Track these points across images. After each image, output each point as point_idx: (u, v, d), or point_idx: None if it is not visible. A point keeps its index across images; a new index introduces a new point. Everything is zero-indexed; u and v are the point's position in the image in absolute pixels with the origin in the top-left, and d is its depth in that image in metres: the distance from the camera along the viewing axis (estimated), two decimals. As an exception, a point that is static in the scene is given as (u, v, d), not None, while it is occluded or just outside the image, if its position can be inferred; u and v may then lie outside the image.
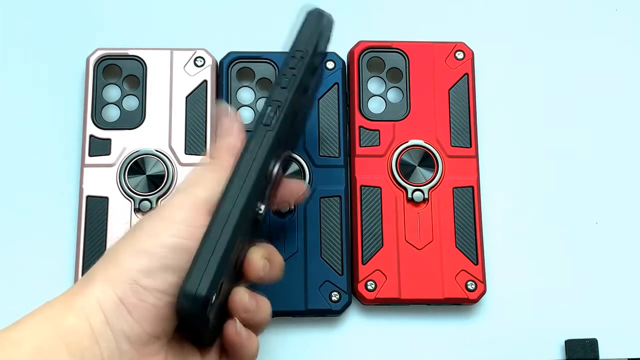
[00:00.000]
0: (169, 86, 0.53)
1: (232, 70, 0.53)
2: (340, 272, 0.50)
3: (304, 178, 0.51)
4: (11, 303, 0.43)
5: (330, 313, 0.50)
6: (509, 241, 0.53)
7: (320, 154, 0.52)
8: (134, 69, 0.53)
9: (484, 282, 0.50)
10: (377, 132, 0.52)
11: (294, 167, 0.51)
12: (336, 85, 0.53)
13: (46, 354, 0.33)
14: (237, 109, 0.52)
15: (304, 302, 0.49)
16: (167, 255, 0.35)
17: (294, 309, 0.49)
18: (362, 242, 0.50)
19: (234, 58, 0.53)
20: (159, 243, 0.36)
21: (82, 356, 0.33)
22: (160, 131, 0.52)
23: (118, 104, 0.52)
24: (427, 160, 0.52)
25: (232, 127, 0.40)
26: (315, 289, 0.49)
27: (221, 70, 0.53)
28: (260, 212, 0.39)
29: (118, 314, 0.34)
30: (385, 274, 0.50)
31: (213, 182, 0.37)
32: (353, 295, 0.50)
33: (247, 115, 0.52)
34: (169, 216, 0.36)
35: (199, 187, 0.37)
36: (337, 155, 0.52)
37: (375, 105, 0.53)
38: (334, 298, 0.50)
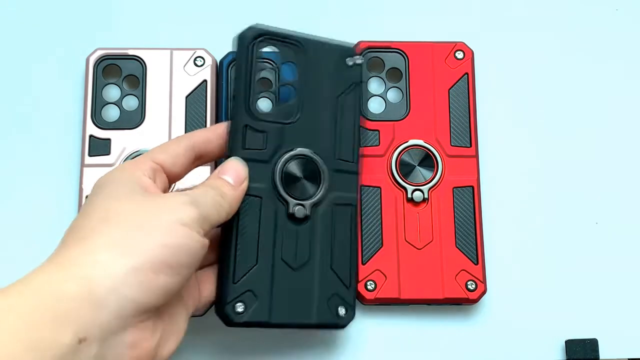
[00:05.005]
0: (169, 86, 0.53)
1: (232, 70, 0.53)
2: (340, 272, 0.50)
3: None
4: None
5: (330, 313, 0.50)
6: (509, 241, 0.53)
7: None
8: (134, 69, 0.53)
9: (484, 282, 0.50)
10: (377, 132, 0.52)
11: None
12: (336, 85, 0.53)
13: (39, 321, 0.32)
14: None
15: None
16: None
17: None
18: (361, 242, 0.50)
19: (234, 58, 0.53)
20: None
21: (77, 322, 0.33)
22: (160, 131, 0.52)
23: (118, 103, 0.52)
24: (427, 160, 0.52)
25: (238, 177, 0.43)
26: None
27: (221, 70, 0.53)
28: None
29: (124, 282, 0.34)
30: (385, 274, 0.50)
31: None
32: (353, 295, 0.50)
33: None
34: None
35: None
36: (337, 155, 0.52)
37: (375, 105, 0.53)
38: (333, 298, 0.49)
